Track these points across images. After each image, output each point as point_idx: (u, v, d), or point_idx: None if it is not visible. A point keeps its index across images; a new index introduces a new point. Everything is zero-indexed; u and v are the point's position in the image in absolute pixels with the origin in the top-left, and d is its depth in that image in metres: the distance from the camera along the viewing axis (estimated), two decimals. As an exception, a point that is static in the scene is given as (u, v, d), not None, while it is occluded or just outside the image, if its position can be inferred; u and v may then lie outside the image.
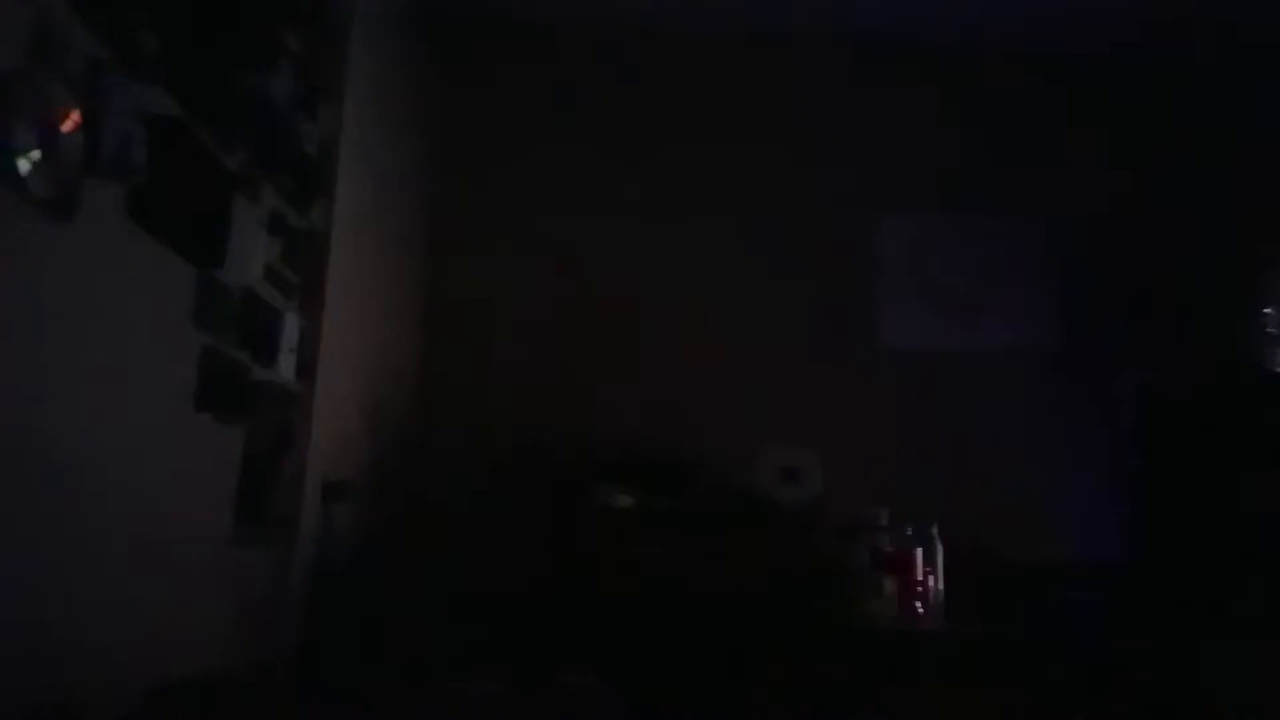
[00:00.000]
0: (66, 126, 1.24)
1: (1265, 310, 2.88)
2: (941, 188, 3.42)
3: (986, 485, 3.09)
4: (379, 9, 2.66)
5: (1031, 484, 3.13)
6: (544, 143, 3.40)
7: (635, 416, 3.09)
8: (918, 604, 2.52)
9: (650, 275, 3.30)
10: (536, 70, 3.44)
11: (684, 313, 3.26)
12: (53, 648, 1.29)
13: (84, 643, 1.37)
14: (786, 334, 3.28)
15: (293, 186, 2.10)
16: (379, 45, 2.67)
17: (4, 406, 1.18)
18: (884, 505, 2.63)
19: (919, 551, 2.56)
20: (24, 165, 1.18)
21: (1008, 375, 3.27)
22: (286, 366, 2.09)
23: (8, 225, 1.18)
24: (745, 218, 3.37)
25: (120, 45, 1.38)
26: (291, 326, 2.11)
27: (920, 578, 2.54)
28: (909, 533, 2.59)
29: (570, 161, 3.38)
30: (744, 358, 3.24)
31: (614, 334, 3.22)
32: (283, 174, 2.05)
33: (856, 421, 3.16)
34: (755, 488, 2.79)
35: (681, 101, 3.45)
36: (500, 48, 3.44)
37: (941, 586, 2.57)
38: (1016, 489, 3.11)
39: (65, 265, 1.30)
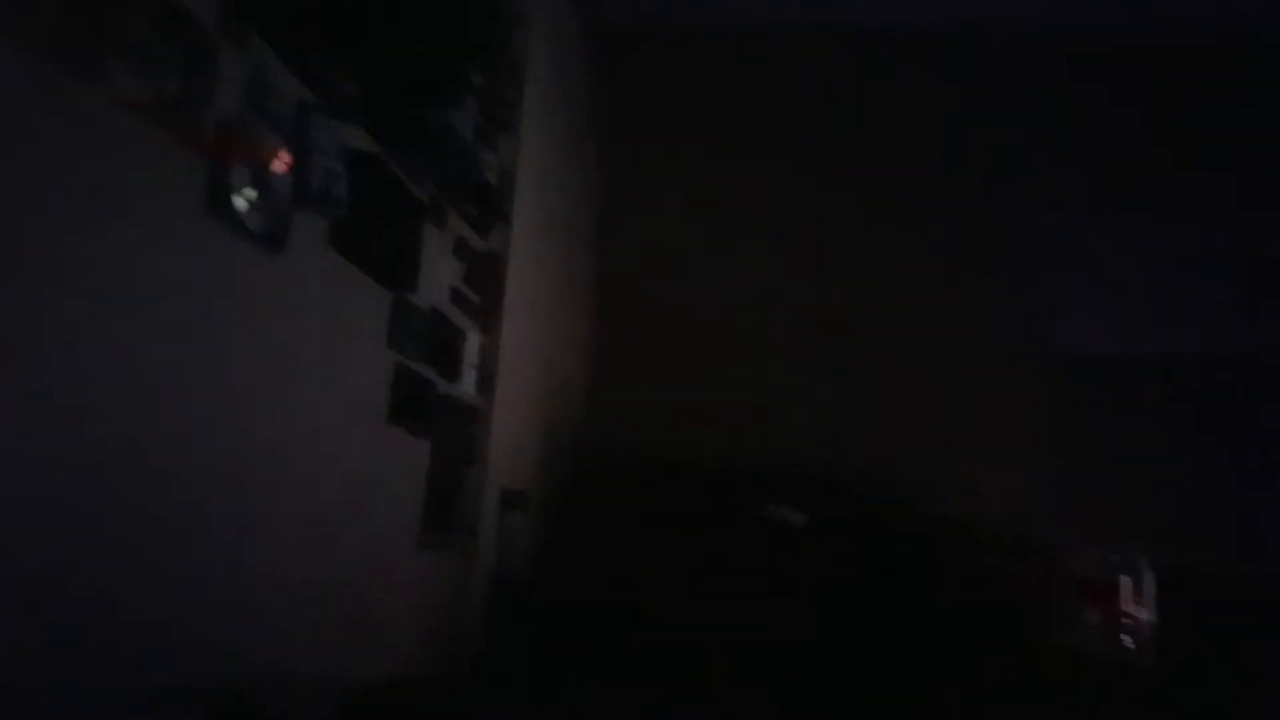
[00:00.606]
0: (278, 167, 1.37)
1: None
2: (1118, 188, 3.16)
3: (1172, 499, 2.82)
4: (555, 41, 2.77)
5: (1222, 495, 2.83)
6: (716, 156, 3.40)
7: (805, 432, 3.04)
8: (1125, 637, 2.30)
9: (817, 289, 3.23)
10: (707, 83, 3.46)
11: (850, 324, 3.17)
12: (253, 646, 1.42)
13: (283, 640, 1.49)
14: (957, 344, 3.11)
15: (475, 212, 2.22)
16: (554, 75, 2.78)
17: (222, 419, 1.32)
18: (1084, 526, 2.44)
19: (1126, 579, 2.34)
20: (241, 203, 1.31)
21: (1191, 382, 2.97)
22: (469, 382, 2.20)
23: (227, 256, 1.31)
24: (911, 221, 3.24)
25: (324, 89, 1.51)
26: (473, 344, 2.22)
27: (1127, 608, 2.32)
28: (1114, 559, 2.38)
29: (740, 176, 3.37)
30: (917, 370, 3.10)
31: (781, 350, 3.18)
32: (466, 201, 2.17)
33: (1035, 437, 2.96)
34: (933, 506, 2.65)
35: (855, 104, 3.36)
36: (671, 64, 3.48)
37: (1154, 619, 2.34)
38: (1205, 501, 2.82)
39: (276, 292, 1.43)
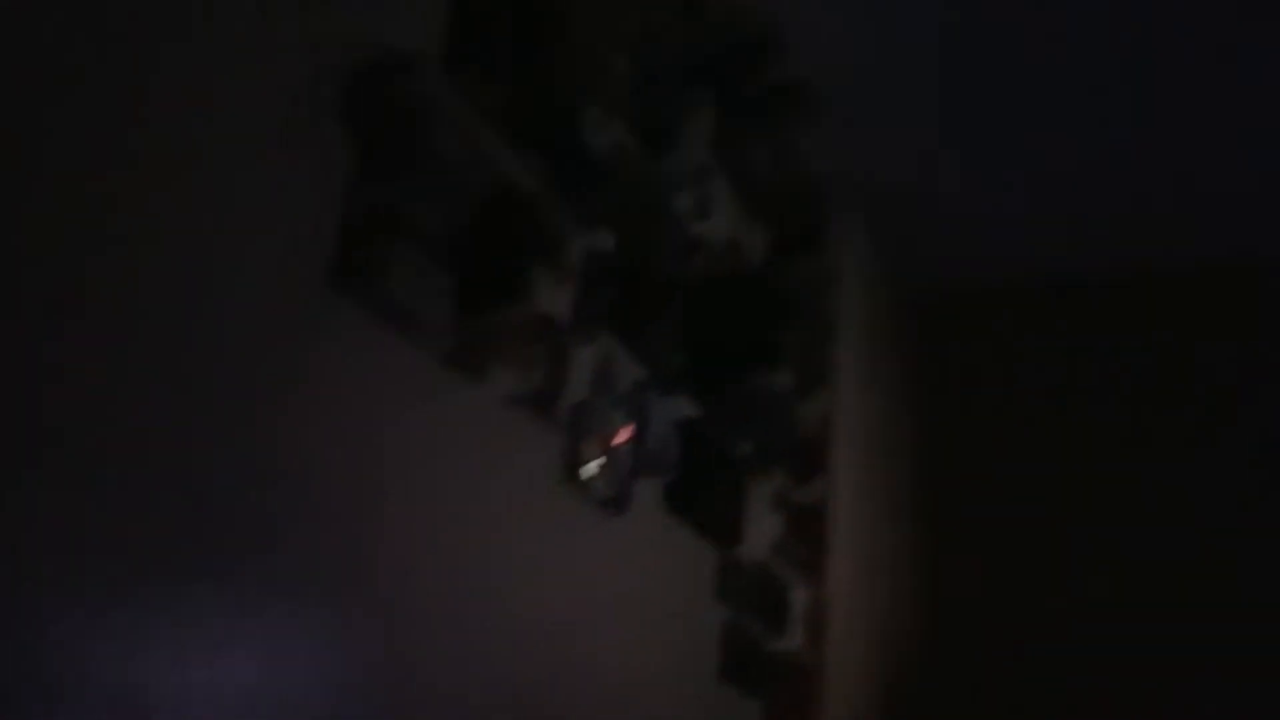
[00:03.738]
0: (621, 439, 1.55)
1: None
2: None
3: None
4: (866, 298, 2.90)
5: None
6: (1044, 401, 3.23)
7: None
8: None
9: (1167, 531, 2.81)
10: (1029, 330, 3.36)
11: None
12: None
13: None
14: None
15: (794, 465, 2.28)
16: (866, 329, 2.87)
17: (568, 664, 1.41)
18: None
19: None
20: (591, 470, 1.49)
21: None
22: (797, 637, 2.15)
23: (578, 518, 1.47)
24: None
25: (656, 367, 1.71)
26: (799, 597, 2.19)
27: None
28: None
29: (1070, 400, 3.16)
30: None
31: (1156, 611, 2.75)
32: (785, 455, 2.24)
33: None
34: None
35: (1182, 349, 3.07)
36: (987, 312, 3.45)
37: None
38: None
39: (618, 549, 1.56)
